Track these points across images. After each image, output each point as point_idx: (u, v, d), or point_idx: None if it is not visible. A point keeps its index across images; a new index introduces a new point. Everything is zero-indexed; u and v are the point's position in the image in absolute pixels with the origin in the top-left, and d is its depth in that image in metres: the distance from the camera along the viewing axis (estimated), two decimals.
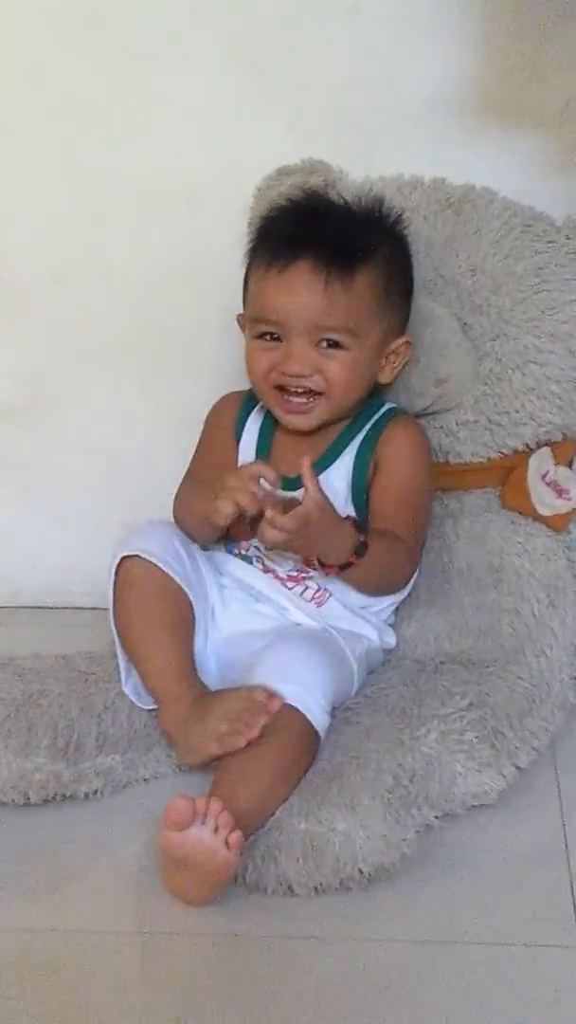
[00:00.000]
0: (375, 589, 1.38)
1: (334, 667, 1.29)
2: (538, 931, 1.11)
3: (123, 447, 1.71)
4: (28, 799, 1.25)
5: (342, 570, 1.30)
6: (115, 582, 1.34)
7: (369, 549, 1.29)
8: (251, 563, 1.38)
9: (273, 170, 1.48)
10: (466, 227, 1.43)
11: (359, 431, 1.38)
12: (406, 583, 1.40)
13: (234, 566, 1.39)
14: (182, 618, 1.33)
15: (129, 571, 1.33)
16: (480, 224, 1.43)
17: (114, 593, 1.34)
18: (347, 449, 1.37)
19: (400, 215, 1.38)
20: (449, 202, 1.45)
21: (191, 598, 1.33)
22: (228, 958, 1.09)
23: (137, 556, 1.33)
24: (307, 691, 1.23)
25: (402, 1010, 1.03)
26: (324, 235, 1.30)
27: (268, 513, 1.23)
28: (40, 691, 1.34)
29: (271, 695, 1.21)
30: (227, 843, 1.09)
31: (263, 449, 1.41)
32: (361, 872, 1.12)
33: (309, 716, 1.22)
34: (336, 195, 1.42)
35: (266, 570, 1.37)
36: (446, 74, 1.48)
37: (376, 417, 1.39)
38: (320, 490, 1.24)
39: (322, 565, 1.31)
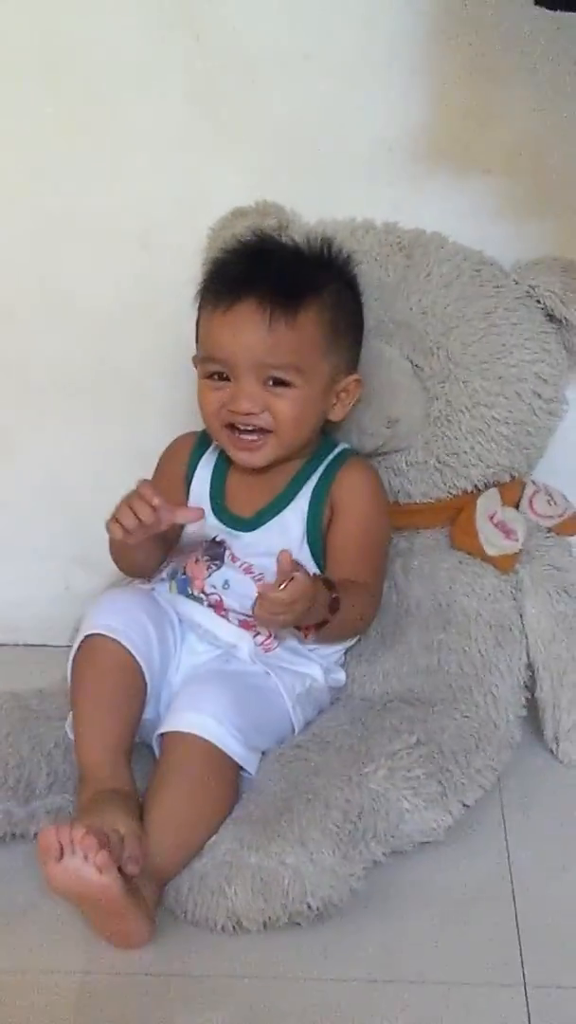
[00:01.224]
0: (343, 638, 1.40)
1: (257, 700, 1.30)
2: (484, 970, 1.12)
3: (73, 483, 1.71)
4: None
5: (318, 628, 1.31)
6: (75, 657, 1.32)
7: (341, 600, 1.30)
8: (201, 604, 1.38)
9: (227, 211, 1.50)
10: (417, 270, 1.45)
11: (313, 473, 1.39)
12: (368, 626, 1.41)
13: (185, 606, 1.39)
14: (131, 699, 1.30)
15: (90, 648, 1.31)
16: (431, 268, 1.45)
17: (72, 666, 1.32)
18: (302, 491, 1.38)
19: (349, 255, 1.40)
20: (400, 245, 1.46)
21: (146, 676, 1.30)
22: (171, 997, 1.09)
23: (99, 635, 1.31)
24: (216, 721, 1.23)
25: None
26: (269, 275, 1.32)
27: (259, 606, 1.24)
28: None
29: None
30: (96, 867, 1.08)
31: (217, 489, 1.41)
32: (310, 907, 1.13)
33: (217, 743, 1.22)
34: (287, 237, 1.43)
35: (218, 612, 1.37)
36: (398, 119, 1.50)
37: (330, 459, 1.40)
38: (303, 572, 1.24)
39: (298, 628, 1.31)
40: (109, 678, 1.29)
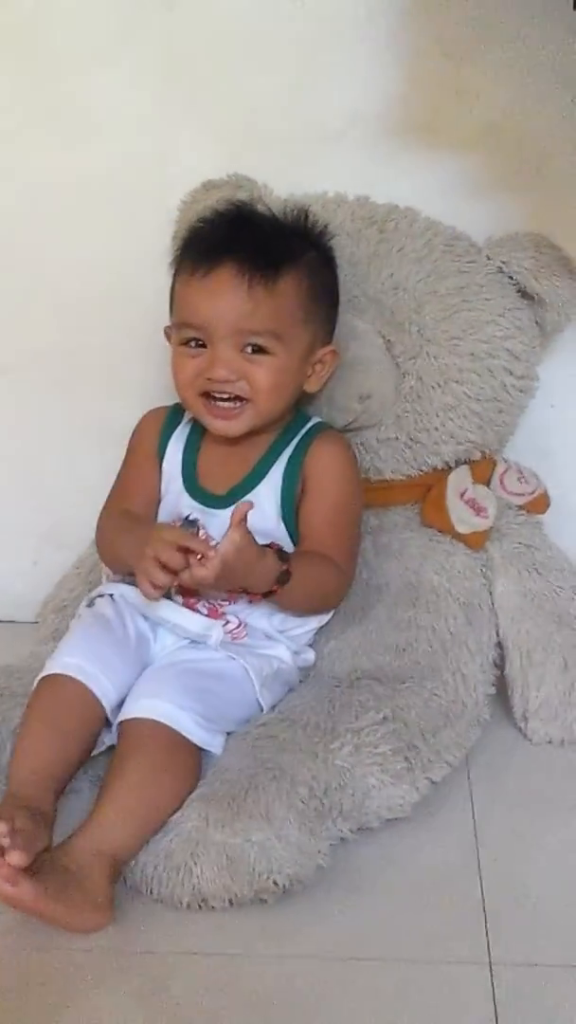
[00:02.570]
0: (303, 611, 1.39)
1: (217, 683, 1.29)
2: (449, 948, 1.12)
3: (40, 459, 1.70)
4: None
5: (265, 597, 1.31)
6: (36, 688, 1.29)
7: (295, 574, 1.29)
8: (171, 597, 1.36)
9: (199, 184, 1.49)
10: (389, 245, 1.44)
11: (286, 447, 1.38)
12: (338, 600, 1.40)
13: (155, 604, 1.35)
14: (78, 737, 1.26)
15: (51, 683, 1.29)
16: (403, 243, 1.44)
17: (31, 696, 1.30)
18: (275, 466, 1.37)
19: (325, 226, 1.39)
20: (372, 220, 1.46)
21: (108, 715, 1.28)
22: (135, 975, 1.08)
23: (62, 674, 1.28)
24: (174, 705, 1.23)
25: None
26: (248, 240, 1.31)
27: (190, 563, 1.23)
28: None
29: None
30: (6, 879, 1.06)
31: (189, 466, 1.40)
32: (276, 884, 1.13)
33: (175, 726, 1.22)
34: (263, 207, 1.42)
35: (186, 603, 1.36)
36: (371, 93, 1.50)
37: (303, 432, 1.39)
38: (242, 533, 1.23)
39: (246, 593, 1.32)
40: (61, 710, 1.26)
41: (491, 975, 1.08)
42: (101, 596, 1.38)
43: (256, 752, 1.25)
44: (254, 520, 1.29)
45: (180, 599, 1.36)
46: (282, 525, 1.36)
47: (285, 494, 1.37)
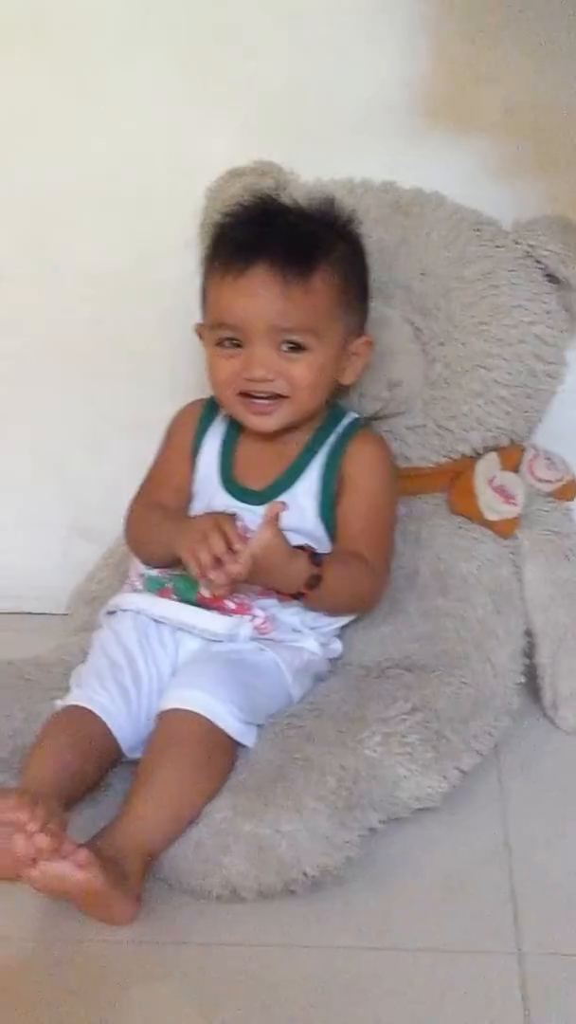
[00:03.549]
0: (335, 611, 1.38)
1: (252, 675, 1.29)
2: (479, 938, 1.11)
3: (69, 450, 1.70)
4: None
5: (295, 598, 1.31)
6: (52, 717, 1.28)
7: (327, 577, 1.29)
8: (193, 604, 1.34)
9: (224, 171, 1.48)
10: (416, 230, 1.44)
11: (323, 443, 1.38)
12: (373, 602, 1.40)
13: (174, 611, 1.35)
14: (85, 771, 1.23)
15: (66, 714, 1.27)
16: (430, 227, 1.44)
17: (46, 723, 1.27)
18: (313, 464, 1.37)
19: (352, 214, 1.38)
20: (399, 205, 1.45)
21: (121, 747, 1.27)
22: (168, 965, 1.09)
23: (78, 706, 1.27)
24: (213, 697, 1.22)
25: (342, 1018, 1.03)
26: (279, 237, 1.30)
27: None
28: None
29: None
30: (78, 865, 1.06)
31: (226, 461, 1.40)
32: (306, 875, 1.12)
33: (214, 719, 1.22)
34: (287, 198, 1.42)
35: (213, 602, 1.33)
36: (393, 77, 1.49)
37: (340, 429, 1.39)
38: (273, 532, 1.23)
39: (276, 592, 1.32)
40: (79, 734, 1.24)
41: (521, 965, 1.08)
42: (123, 611, 1.37)
43: (285, 743, 1.25)
44: (292, 518, 1.30)
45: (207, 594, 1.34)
46: (320, 523, 1.36)
47: (323, 492, 1.36)
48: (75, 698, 1.27)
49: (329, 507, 1.36)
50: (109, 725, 1.25)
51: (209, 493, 1.39)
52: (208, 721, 1.21)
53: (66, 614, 1.63)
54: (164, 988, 1.07)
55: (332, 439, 1.38)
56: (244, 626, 1.32)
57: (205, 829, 1.15)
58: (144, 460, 1.47)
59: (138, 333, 1.62)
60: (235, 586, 1.28)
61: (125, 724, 1.26)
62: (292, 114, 1.52)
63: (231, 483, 1.39)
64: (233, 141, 1.52)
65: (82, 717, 1.25)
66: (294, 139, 1.51)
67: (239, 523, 1.32)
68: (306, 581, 1.28)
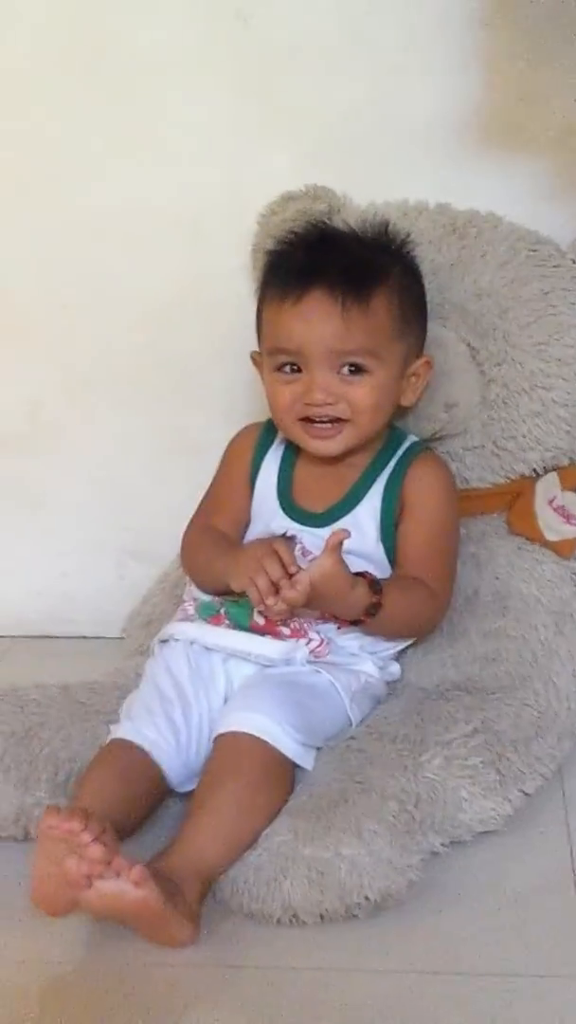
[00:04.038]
0: (395, 636, 1.38)
1: (310, 698, 1.28)
2: (546, 962, 1.10)
3: (125, 474, 1.71)
4: (28, 834, 1.24)
5: (354, 624, 1.30)
6: (101, 749, 1.28)
7: (387, 603, 1.28)
8: (246, 630, 1.34)
9: (277, 196, 1.49)
10: (472, 251, 1.44)
11: (384, 467, 1.38)
12: (433, 627, 1.40)
13: (228, 639, 1.34)
14: (144, 788, 1.24)
15: (114, 747, 1.27)
16: (486, 248, 1.44)
17: (95, 756, 1.28)
18: (374, 487, 1.37)
19: (406, 237, 1.38)
20: (454, 227, 1.45)
21: (170, 781, 1.26)
22: (231, 989, 1.08)
23: (125, 739, 1.27)
24: (271, 720, 1.22)
25: None
26: (335, 262, 1.30)
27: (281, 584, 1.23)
28: (40, 723, 1.33)
29: None
30: (134, 883, 1.05)
31: (284, 484, 1.41)
32: (367, 899, 1.12)
33: (273, 742, 1.21)
34: (341, 222, 1.42)
35: (267, 627, 1.33)
36: (447, 98, 1.50)
37: (401, 452, 1.39)
38: (334, 560, 1.23)
39: (335, 618, 1.32)
40: (128, 766, 1.24)
41: None
42: (176, 641, 1.36)
43: (345, 765, 1.24)
44: (353, 541, 1.30)
45: (261, 620, 1.34)
46: (381, 547, 1.36)
47: (384, 516, 1.36)
48: (123, 731, 1.27)
49: (390, 531, 1.36)
50: (156, 759, 1.25)
51: (267, 516, 1.40)
52: (266, 743, 1.21)
53: (121, 638, 1.64)
54: (224, 1012, 1.07)
55: (393, 462, 1.38)
56: (300, 650, 1.32)
57: (265, 853, 1.15)
58: (200, 483, 1.47)
59: (194, 357, 1.63)
60: (293, 612, 1.28)
61: (173, 758, 1.26)
62: (346, 138, 1.52)
63: (290, 505, 1.39)
64: (288, 166, 1.53)
65: (130, 750, 1.25)
66: (349, 163, 1.52)
67: (298, 545, 1.33)
68: (366, 609, 1.27)
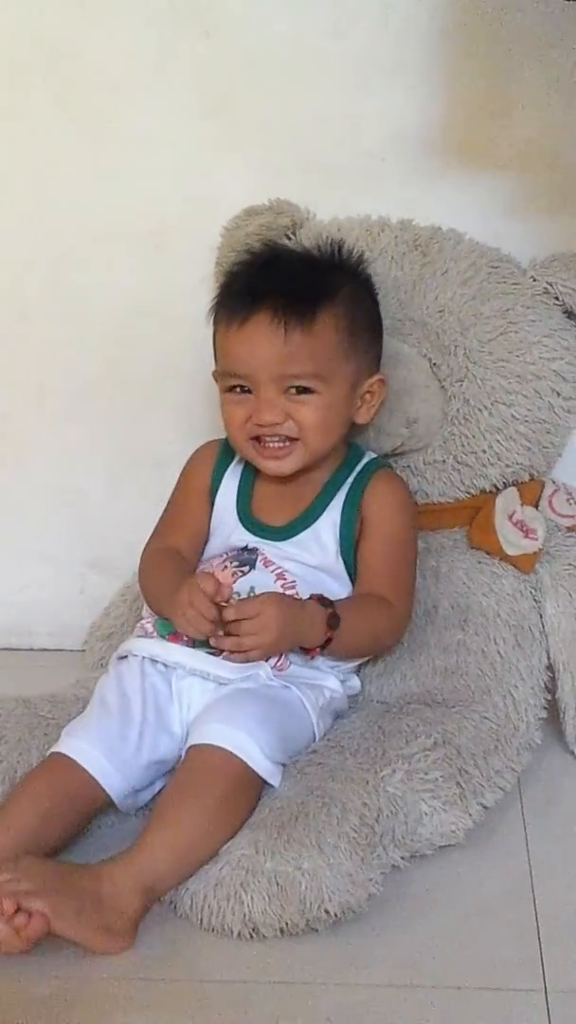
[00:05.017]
0: (360, 654, 1.40)
1: (283, 715, 1.28)
2: (505, 975, 1.10)
3: (86, 486, 1.72)
4: None
5: (323, 649, 1.31)
6: (38, 764, 1.28)
7: (345, 617, 1.30)
8: (207, 649, 1.33)
9: (241, 210, 1.50)
10: (433, 268, 1.45)
11: (343, 483, 1.39)
12: (393, 642, 1.41)
13: (185, 657, 1.33)
14: (61, 826, 1.23)
15: (49, 761, 1.26)
16: (447, 265, 1.45)
17: (29, 772, 1.28)
18: (333, 502, 1.39)
19: (361, 255, 1.40)
20: (416, 243, 1.47)
21: (111, 795, 1.25)
22: (185, 1003, 1.08)
23: (61, 753, 1.26)
24: (251, 738, 1.22)
25: None
26: (281, 284, 1.32)
27: (228, 615, 1.24)
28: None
29: None
30: (15, 930, 1.07)
31: (244, 499, 1.42)
32: (327, 912, 1.12)
33: (248, 761, 1.21)
34: (297, 243, 1.44)
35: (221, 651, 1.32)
36: (409, 115, 1.51)
37: (359, 468, 1.40)
38: (270, 594, 1.27)
39: (304, 651, 1.32)
40: (53, 791, 1.23)
41: (547, 1002, 1.07)
42: (134, 656, 1.36)
43: (306, 779, 1.25)
44: (314, 556, 1.33)
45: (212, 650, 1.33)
46: (341, 562, 1.38)
47: (344, 531, 1.38)
48: (60, 745, 1.27)
49: (350, 546, 1.38)
50: (93, 774, 1.24)
51: (227, 530, 1.41)
52: (239, 759, 1.21)
53: (82, 650, 1.64)
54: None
55: (351, 478, 1.39)
56: (262, 667, 1.31)
57: (226, 867, 1.15)
58: (161, 496, 1.48)
59: (154, 370, 1.64)
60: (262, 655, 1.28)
61: (112, 774, 1.25)
62: (308, 153, 1.54)
63: (249, 519, 1.40)
64: (249, 180, 1.54)
65: (63, 765, 1.25)
66: (310, 178, 1.54)
67: (259, 557, 1.35)
68: (326, 621, 1.28)
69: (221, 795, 1.20)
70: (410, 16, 1.48)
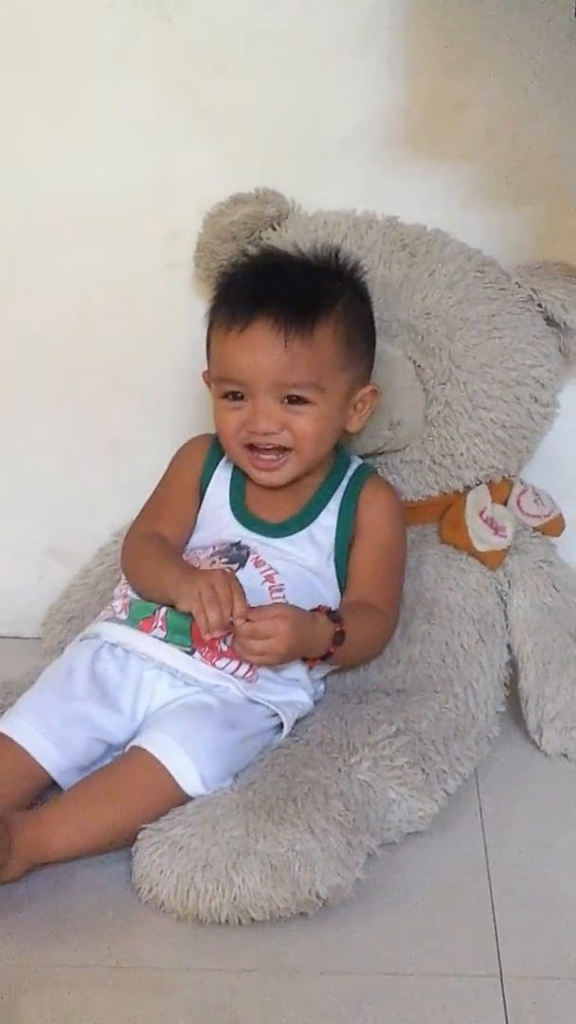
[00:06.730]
0: (354, 664, 1.43)
1: (242, 739, 1.30)
2: (461, 962, 1.15)
3: (46, 473, 1.72)
4: None
5: (323, 660, 1.35)
6: None
7: (349, 630, 1.33)
8: (188, 635, 1.35)
9: (227, 198, 1.53)
10: (421, 269, 1.49)
11: (335, 489, 1.43)
12: (384, 648, 1.45)
13: (160, 651, 1.35)
14: (9, 794, 1.26)
15: None
16: (435, 267, 1.49)
17: None
18: (329, 505, 1.43)
19: (357, 263, 1.42)
20: (404, 243, 1.50)
21: (49, 772, 1.28)
22: (169, 992, 1.12)
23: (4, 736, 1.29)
24: (196, 769, 1.24)
25: None
26: (281, 292, 1.34)
27: (244, 631, 1.26)
28: None
29: None
30: None
31: (237, 494, 1.45)
32: (318, 896, 1.16)
33: (183, 787, 1.24)
34: (288, 246, 1.46)
35: (209, 642, 1.33)
36: (371, 104, 1.53)
37: (350, 474, 1.44)
38: (285, 607, 1.29)
39: (303, 660, 1.35)
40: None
41: (503, 988, 1.12)
42: (96, 639, 1.38)
43: (279, 768, 1.28)
44: (310, 558, 1.36)
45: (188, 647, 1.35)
46: (332, 566, 1.41)
47: (339, 536, 1.42)
48: (4, 726, 1.29)
49: (343, 551, 1.42)
50: (28, 750, 1.27)
51: (219, 525, 1.44)
52: (175, 784, 1.24)
53: (39, 638, 1.66)
54: (162, 1013, 1.09)
55: (344, 483, 1.43)
56: (233, 683, 1.33)
57: (215, 848, 1.17)
58: (122, 483, 1.52)
59: (117, 355, 1.65)
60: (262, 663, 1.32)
61: (49, 749, 1.28)
62: (271, 140, 1.56)
63: (245, 515, 1.43)
64: (213, 166, 1.56)
65: (4, 744, 1.28)
66: (273, 165, 1.56)
67: (251, 556, 1.38)
68: (332, 639, 1.32)
69: (145, 806, 1.23)
70: (373, 4, 1.49)
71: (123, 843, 1.24)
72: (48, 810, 1.23)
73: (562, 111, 1.51)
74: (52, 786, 1.30)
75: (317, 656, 1.34)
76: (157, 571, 1.37)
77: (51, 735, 1.28)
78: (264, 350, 1.33)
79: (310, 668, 1.37)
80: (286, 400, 1.35)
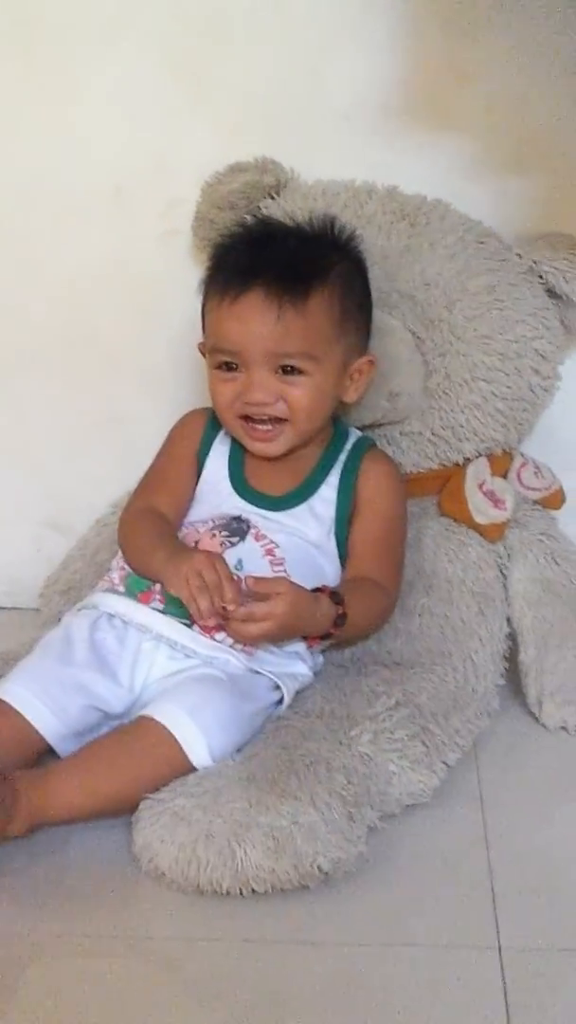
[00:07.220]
0: (354, 640, 1.44)
1: (249, 710, 1.31)
2: (459, 933, 1.16)
3: (44, 446, 1.73)
4: None
5: (323, 640, 1.36)
6: None
7: (350, 612, 1.34)
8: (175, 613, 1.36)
9: (225, 166, 1.53)
10: (421, 240, 1.49)
11: (335, 460, 1.44)
12: (385, 623, 1.46)
13: (159, 623, 1.36)
14: (8, 759, 1.26)
15: None
16: (435, 238, 1.49)
17: None
18: (328, 479, 1.43)
19: (353, 233, 1.43)
20: (403, 213, 1.50)
21: (47, 739, 1.29)
22: (171, 962, 1.12)
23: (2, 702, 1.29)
24: (206, 740, 1.25)
25: (330, 1014, 1.06)
26: (275, 262, 1.34)
27: (238, 615, 1.27)
28: None
29: None
30: None
31: (236, 467, 1.45)
32: (320, 869, 1.16)
33: (191, 757, 1.25)
34: (286, 215, 1.46)
35: (194, 621, 1.34)
36: (372, 75, 1.54)
37: (349, 447, 1.45)
38: (289, 586, 1.28)
39: (303, 638, 1.36)
40: None
41: (501, 960, 1.12)
42: (94, 609, 1.39)
43: (280, 740, 1.29)
44: (311, 531, 1.37)
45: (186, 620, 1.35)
46: (333, 539, 1.42)
47: (340, 510, 1.43)
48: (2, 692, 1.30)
49: (344, 525, 1.43)
50: (26, 715, 1.28)
51: (218, 499, 1.44)
52: (184, 755, 1.25)
53: (37, 609, 1.67)
54: (163, 984, 1.10)
55: (343, 456, 1.44)
56: (233, 654, 1.34)
57: (218, 820, 1.18)
58: (120, 456, 1.53)
59: (116, 328, 1.66)
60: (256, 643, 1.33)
61: (47, 715, 1.29)
62: (271, 112, 1.56)
63: (245, 487, 1.44)
64: (212, 138, 1.56)
65: (1, 710, 1.29)
66: (273, 137, 1.56)
67: (251, 530, 1.38)
68: (333, 621, 1.33)
69: (152, 775, 1.24)
70: None
71: (126, 810, 1.25)
72: (53, 771, 1.24)
73: (564, 83, 1.52)
74: (49, 752, 1.31)
75: (317, 636, 1.35)
76: (148, 550, 1.38)
77: (50, 702, 1.29)
78: (257, 320, 1.33)
79: (310, 648, 1.38)
80: (280, 370, 1.35)
